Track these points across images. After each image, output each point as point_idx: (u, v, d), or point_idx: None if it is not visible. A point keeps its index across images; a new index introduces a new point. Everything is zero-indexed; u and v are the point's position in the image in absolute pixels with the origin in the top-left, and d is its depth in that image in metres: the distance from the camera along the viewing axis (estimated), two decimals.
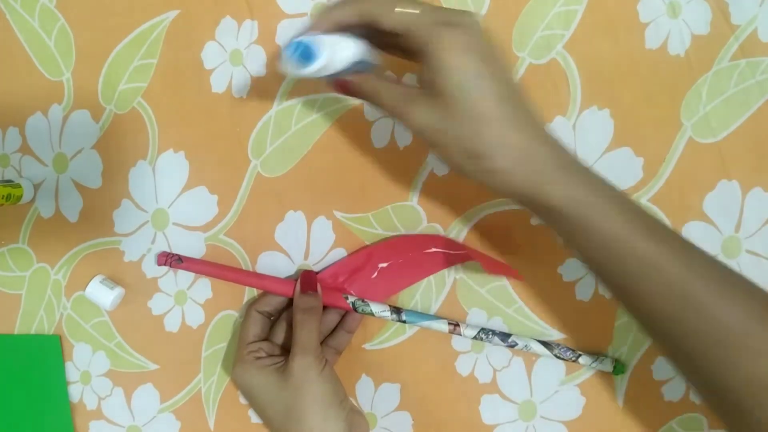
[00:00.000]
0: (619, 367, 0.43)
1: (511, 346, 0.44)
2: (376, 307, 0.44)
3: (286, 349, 0.44)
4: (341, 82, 0.36)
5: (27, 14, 0.51)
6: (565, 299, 0.45)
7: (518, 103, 0.33)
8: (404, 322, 0.45)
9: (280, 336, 0.45)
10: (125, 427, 0.51)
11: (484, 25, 0.33)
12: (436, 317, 0.45)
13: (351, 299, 0.45)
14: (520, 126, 0.33)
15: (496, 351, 0.45)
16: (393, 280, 0.46)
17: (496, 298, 0.45)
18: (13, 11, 0.51)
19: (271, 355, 0.44)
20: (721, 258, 0.43)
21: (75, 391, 0.52)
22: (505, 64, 0.34)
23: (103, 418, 0.52)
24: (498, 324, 0.45)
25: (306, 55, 0.32)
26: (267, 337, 0.45)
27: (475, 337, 0.44)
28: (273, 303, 0.46)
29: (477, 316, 0.46)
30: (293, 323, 0.42)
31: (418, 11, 0.33)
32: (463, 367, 0.46)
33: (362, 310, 0.44)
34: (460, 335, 0.44)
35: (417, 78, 0.36)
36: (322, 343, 0.45)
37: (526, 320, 0.45)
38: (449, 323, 0.44)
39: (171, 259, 0.47)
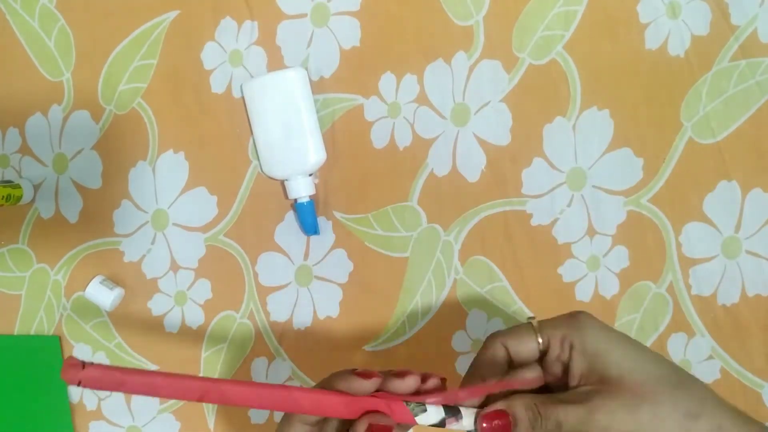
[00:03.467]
0: None
1: None
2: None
3: None
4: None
5: (27, 15, 0.51)
6: (565, 299, 0.45)
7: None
8: None
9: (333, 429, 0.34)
10: (125, 427, 0.51)
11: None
12: None
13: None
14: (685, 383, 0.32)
15: None
16: None
17: (496, 298, 0.45)
18: (13, 12, 0.51)
19: None
20: (721, 258, 0.43)
21: (75, 391, 0.52)
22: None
23: (102, 419, 0.52)
24: (498, 324, 0.45)
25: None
26: None
27: None
28: None
29: (477, 317, 0.46)
30: None
31: (546, 326, 0.33)
32: (463, 367, 0.46)
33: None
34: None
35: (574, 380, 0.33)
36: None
37: None
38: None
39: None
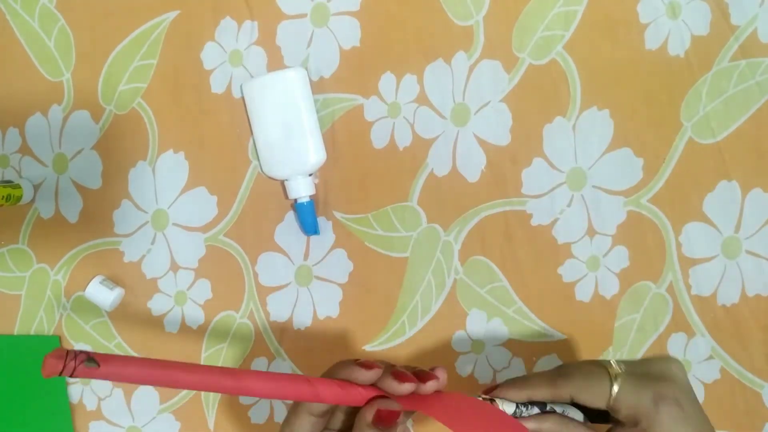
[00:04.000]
0: None
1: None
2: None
3: None
4: None
5: (27, 15, 0.51)
6: (565, 299, 0.45)
7: None
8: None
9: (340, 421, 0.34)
10: (125, 427, 0.51)
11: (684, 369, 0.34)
12: None
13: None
14: None
15: (496, 352, 0.45)
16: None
17: (496, 298, 0.45)
18: (13, 12, 0.51)
19: None
20: (721, 258, 0.43)
21: (75, 392, 0.52)
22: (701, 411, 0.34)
23: (102, 419, 0.52)
24: (498, 324, 0.45)
25: None
26: None
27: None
28: None
29: (477, 317, 0.46)
30: None
31: (625, 391, 0.33)
32: (463, 367, 0.46)
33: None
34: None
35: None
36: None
37: (526, 321, 0.45)
38: None
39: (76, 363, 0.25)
